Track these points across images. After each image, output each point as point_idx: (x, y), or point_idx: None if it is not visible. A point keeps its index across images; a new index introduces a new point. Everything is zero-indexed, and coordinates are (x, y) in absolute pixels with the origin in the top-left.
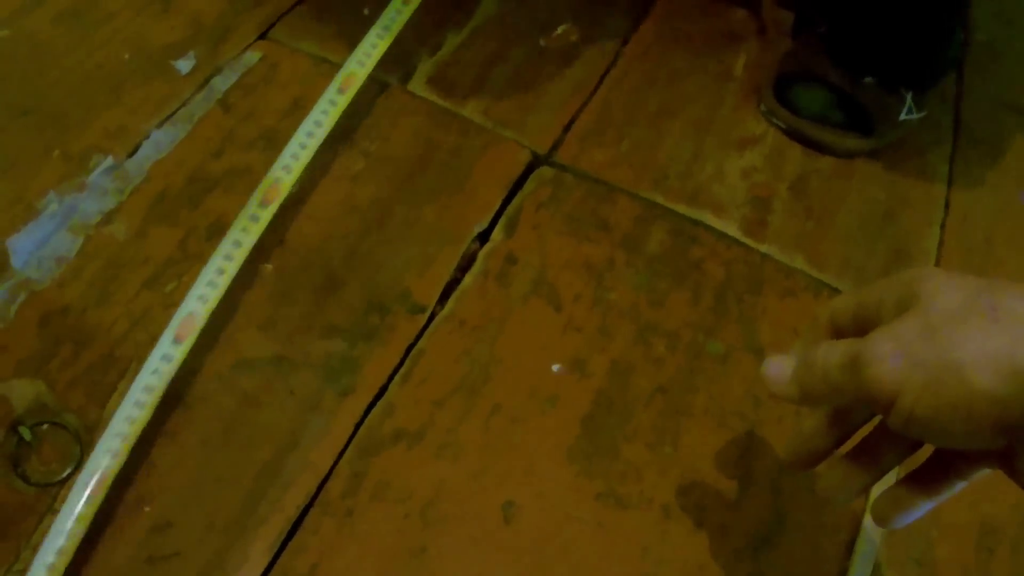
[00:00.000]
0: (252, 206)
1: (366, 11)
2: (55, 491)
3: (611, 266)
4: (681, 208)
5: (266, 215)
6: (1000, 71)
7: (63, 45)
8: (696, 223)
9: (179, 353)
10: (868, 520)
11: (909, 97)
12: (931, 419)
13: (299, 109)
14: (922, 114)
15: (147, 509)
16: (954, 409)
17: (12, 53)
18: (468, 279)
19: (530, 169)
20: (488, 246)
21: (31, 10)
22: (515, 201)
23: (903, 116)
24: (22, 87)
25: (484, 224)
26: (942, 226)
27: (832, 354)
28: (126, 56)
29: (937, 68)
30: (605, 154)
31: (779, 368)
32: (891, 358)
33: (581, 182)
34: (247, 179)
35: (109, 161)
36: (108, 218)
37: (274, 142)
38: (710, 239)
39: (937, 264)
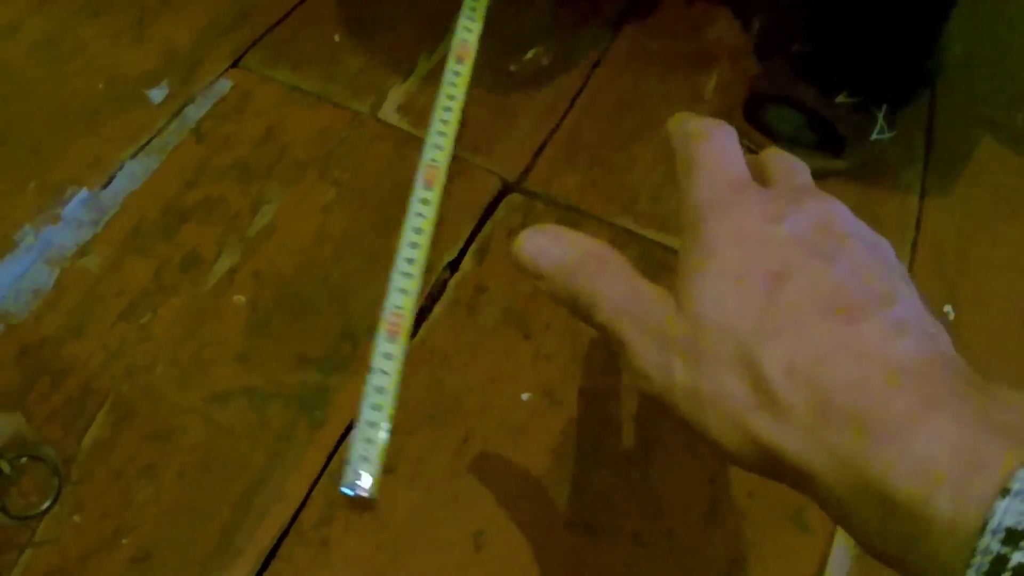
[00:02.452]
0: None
1: (337, 37)
2: (34, 524)
3: None
4: (651, 233)
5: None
6: (974, 85)
7: (39, 75)
8: (665, 248)
9: None
10: (837, 547)
11: (881, 116)
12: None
13: (271, 139)
14: (893, 133)
15: (125, 541)
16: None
17: None
18: (438, 309)
19: (500, 196)
20: (458, 275)
21: (6, 39)
22: (485, 229)
23: (874, 136)
24: None
25: (454, 253)
26: (913, 245)
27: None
28: (100, 86)
29: (914, 82)
30: (576, 179)
31: (540, 249)
32: (648, 355)
33: (552, 209)
34: (221, 209)
35: (84, 193)
36: (83, 250)
37: (247, 172)
38: (676, 262)
39: None
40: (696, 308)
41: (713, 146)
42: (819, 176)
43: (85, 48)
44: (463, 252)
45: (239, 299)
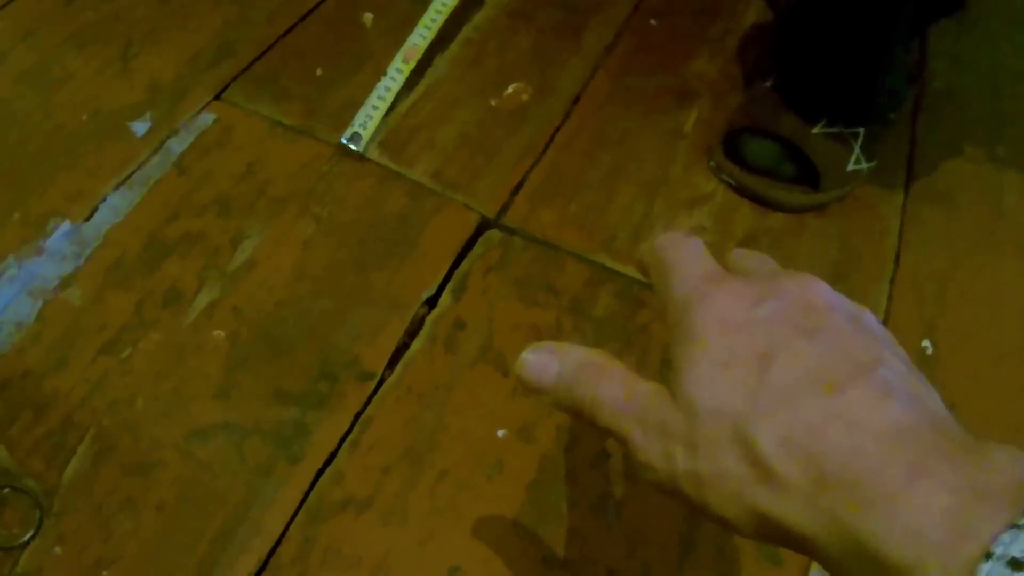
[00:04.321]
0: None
1: (319, 71)
2: (16, 554)
3: (559, 330)
4: (628, 270)
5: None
6: (955, 118)
7: (24, 106)
8: (643, 285)
9: None
10: None
11: (857, 146)
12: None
13: (252, 174)
14: (872, 164)
15: (105, 573)
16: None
17: None
18: (416, 345)
19: (479, 232)
20: (436, 311)
21: None
22: (463, 265)
23: (851, 166)
24: None
25: (432, 289)
26: (892, 279)
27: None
28: (84, 117)
29: (882, 105)
30: (554, 215)
31: (541, 366)
32: (638, 438)
33: (530, 245)
34: (202, 244)
35: (67, 225)
36: (66, 283)
37: (228, 207)
38: (654, 301)
39: (885, 323)
40: (690, 397)
41: (683, 250)
42: (797, 210)
43: (70, 80)
44: (441, 288)
45: (218, 334)
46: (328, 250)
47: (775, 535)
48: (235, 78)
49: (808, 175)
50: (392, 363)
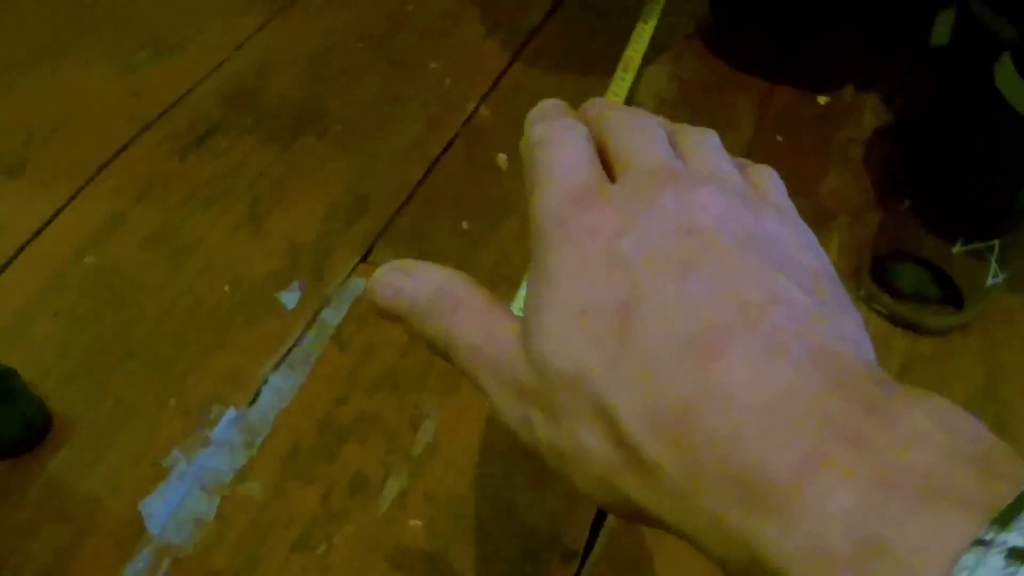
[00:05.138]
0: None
1: (465, 224)
2: None
3: None
4: None
5: None
6: None
7: (157, 276)
8: None
9: None
10: None
11: (993, 259)
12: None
13: (416, 344)
14: (1007, 275)
15: None
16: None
17: (102, 284)
18: (612, 519)
19: None
20: None
21: (113, 233)
22: None
23: (990, 280)
24: (120, 325)
25: None
26: None
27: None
28: (226, 288)
29: (1020, 210)
30: None
31: (392, 290)
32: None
33: None
34: (379, 427)
35: (231, 412)
36: (242, 475)
37: (398, 384)
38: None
39: None
40: (540, 352)
41: (562, 148)
42: (943, 332)
43: (201, 244)
44: None
45: (415, 524)
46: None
47: (661, 527)
48: (378, 236)
49: (951, 295)
50: (592, 536)
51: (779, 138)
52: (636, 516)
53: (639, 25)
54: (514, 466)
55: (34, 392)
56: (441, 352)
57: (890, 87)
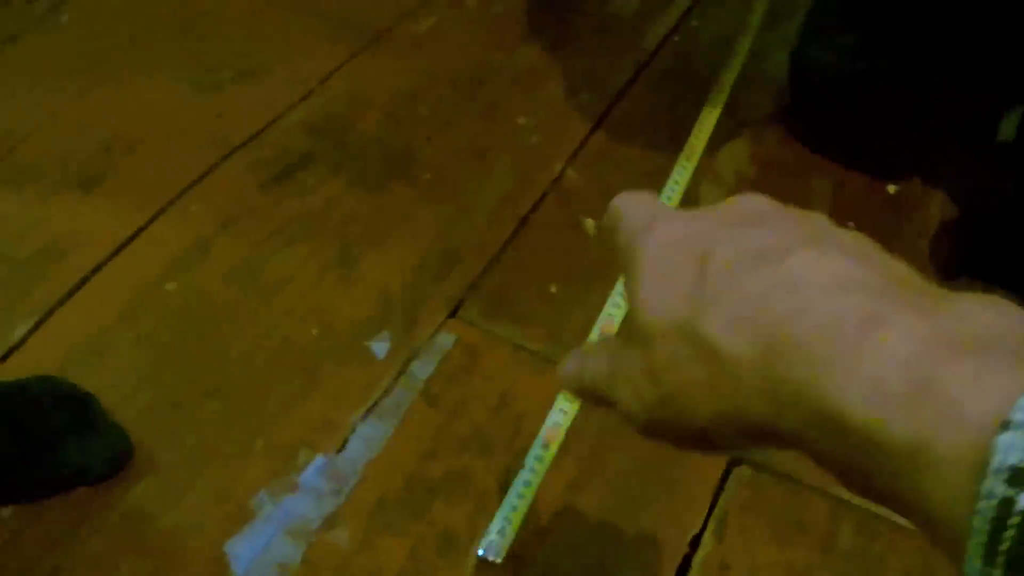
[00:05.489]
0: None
1: (553, 288)
2: None
3: (809, 569)
4: (865, 503)
5: None
6: None
7: (242, 311)
8: (876, 517)
9: None
10: None
11: None
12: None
13: (506, 406)
14: None
15: None
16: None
17: (186, 313)
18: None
19: (729, 468)
20: (700, 552)
21: (196, 261)
22: (720, 504)
23: None
24: (205, 358)
25: (696, 529)
26: None
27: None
28: (315, 332)
29: None
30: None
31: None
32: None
33: (777, 481)
34: (467, 487)
35: (319, 459)
36: (329, 523)
37: (488, 444)
38: (887, 531)
39: None
40: (641, 325)
41: (632, 202)
42: None
43: (289, 283)
44: (703, 527)
45: None
46: (596, 492)
47: (755, 435)
48: (468, 292)
49: None
50: None
51: (851, 224)
52: (738, 430)
53: (705, 110)
54: (599, 534)
55: (113, 419)
56: (596, 398)
57: (956, 180)
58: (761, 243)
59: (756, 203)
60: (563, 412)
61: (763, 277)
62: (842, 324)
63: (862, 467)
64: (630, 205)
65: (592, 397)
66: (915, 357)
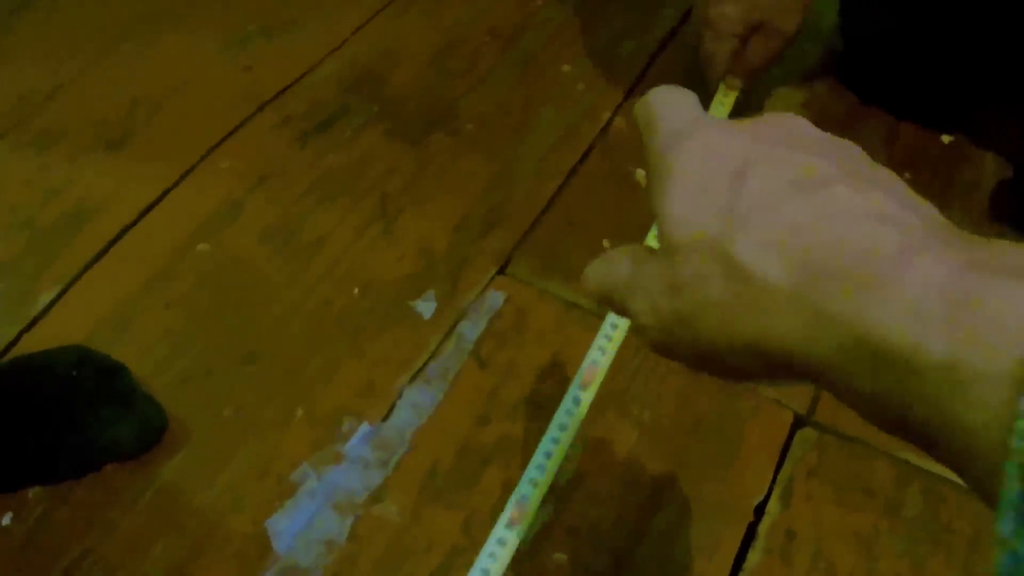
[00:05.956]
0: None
1: (606, 243)
2: None
3: (876, 535)
4: (934, 467)
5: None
6: None
7: (279, 272)
8: (952, 483)
9: None
10: None
11: None
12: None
13: (558, 366)
14: None
15: None
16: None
17: (219, 276)
18: (753, 557)
19: (793, 430)
20: (766, 520)
21: (229, 221)
22: (785, 468)
23: None
24: (240, 323)
25: (760, 496)
26: None
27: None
28: (355, 292)
29: None
30: None
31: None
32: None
33: (843, 444)
34: (523, 452)
35: (364, 427)
36: (377, 496)
37: (541, 408)
38: (954, 496)
39: None
40: (667, 236)
41: (672, 100)
42: None
43: (327, 241)
44: (768, 493)
45: (560, 557)
46: (654, 460)
47: (778, 364)
48: (515, 247)
49: None
50: (735, 570)
51: (907, 175)
52: (760, 359)
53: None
54: (658, 503)
55: (146, 391)
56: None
57: (1007, 133)
58: (800, 170)
59: (797, 125)
60: (601, 351)
61: (801, 204)
62: (881, 252)
63: (895, 395)
64: (667, 105)
65: (612, 305)
66: (954, 279)
